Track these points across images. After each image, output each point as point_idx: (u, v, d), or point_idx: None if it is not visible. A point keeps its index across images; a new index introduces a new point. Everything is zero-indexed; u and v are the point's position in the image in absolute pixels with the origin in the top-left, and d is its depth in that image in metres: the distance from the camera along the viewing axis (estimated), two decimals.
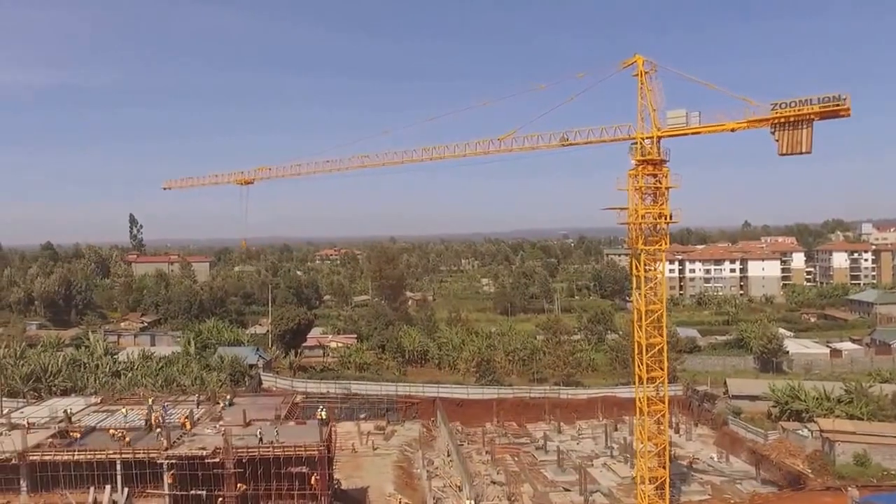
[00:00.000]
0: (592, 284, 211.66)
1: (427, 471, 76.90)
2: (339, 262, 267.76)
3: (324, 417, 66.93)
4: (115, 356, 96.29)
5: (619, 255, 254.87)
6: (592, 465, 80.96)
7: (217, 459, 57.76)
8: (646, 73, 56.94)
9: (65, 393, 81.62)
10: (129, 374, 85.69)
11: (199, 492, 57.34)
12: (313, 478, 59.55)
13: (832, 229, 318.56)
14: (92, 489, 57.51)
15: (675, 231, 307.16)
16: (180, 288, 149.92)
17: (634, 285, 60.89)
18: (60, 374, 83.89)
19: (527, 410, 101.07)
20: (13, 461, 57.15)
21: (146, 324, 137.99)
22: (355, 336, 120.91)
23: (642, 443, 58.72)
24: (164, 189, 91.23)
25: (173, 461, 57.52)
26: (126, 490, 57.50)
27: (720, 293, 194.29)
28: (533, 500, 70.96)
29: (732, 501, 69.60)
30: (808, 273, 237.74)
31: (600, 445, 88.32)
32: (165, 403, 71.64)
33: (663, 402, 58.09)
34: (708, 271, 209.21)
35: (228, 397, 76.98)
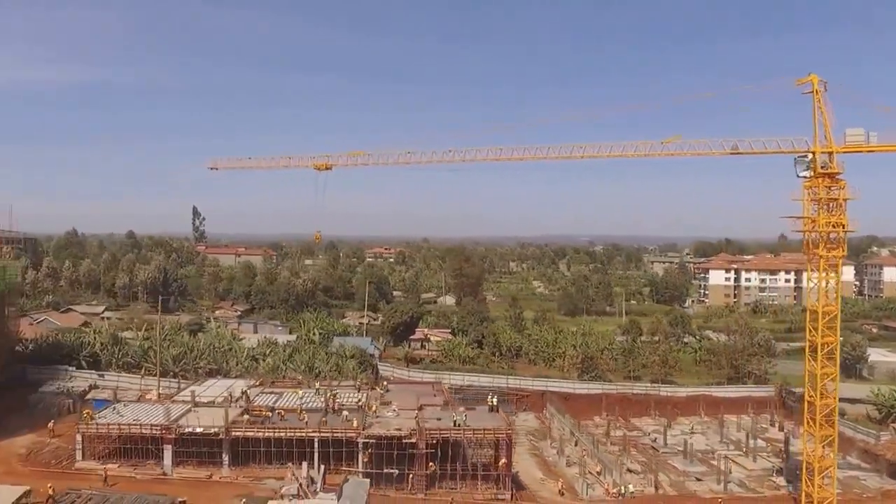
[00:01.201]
0: (648, 290, 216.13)
1: (565, 458, 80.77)
2: (393, 260, 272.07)
3: (495, 404, 71.28)
4: (241, 341, 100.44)
5: (664, 262, 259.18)
6: (714, 458, 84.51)
7: (413, 440, 62.03)
8: (818, 91, 60.43)
9: (211, 374, 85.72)
10: (268, 360, 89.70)
11: (392, 470, 61.68)
12: (501, 460, 63.86)
13: (867, 245, 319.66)
14: (290, 465, 61.82)
15: (713, 241, 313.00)
16: (279, 279, 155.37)
17: (808, 288, 64.30)
18: (204, 356, 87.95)
19: (630, 406, 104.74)
20: (220, 436, 61.57)
21: (240, 312, 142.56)
22: (449, 331, 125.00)
23: (812, 434, 62.02)
24: (211, 169, 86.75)
25: (371, 440, 61.99)
26: (322, 467, 61.60)
27: (774, 302, 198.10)
28: (672, 487, 74.81)
29: (865, 496, 73.45)
30: (855, 286, 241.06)
31: (712, 441, 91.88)
32: (334, 388, 75.86)
33: (833, 398, 61.50)
34: (763, 281, 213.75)
35: (385, 384, 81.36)
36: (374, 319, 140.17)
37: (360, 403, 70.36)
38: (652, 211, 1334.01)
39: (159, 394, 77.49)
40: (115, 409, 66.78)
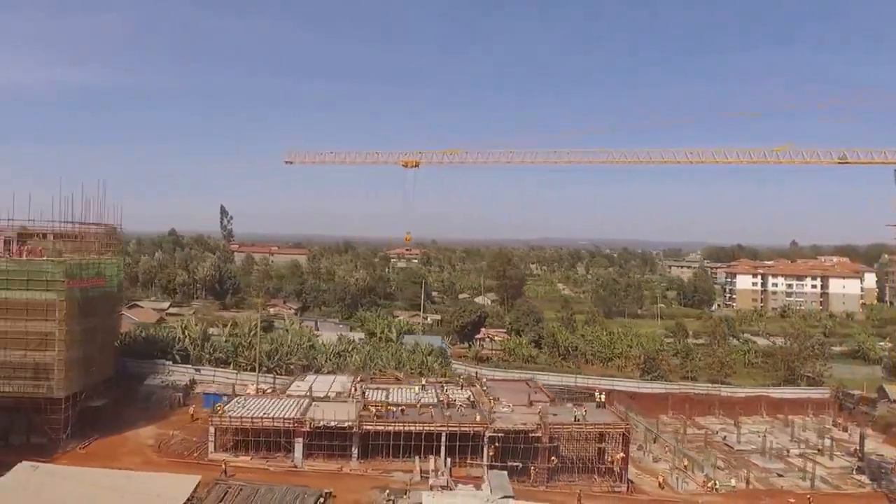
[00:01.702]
0: (675, 293, 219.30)
1: (650, 455, 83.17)
2: (417, 261, 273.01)
3: (602, 400, 73.69)
4: (318, 337, 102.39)
5: (681, 266, 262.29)
6: (790, 456, 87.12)
7: (538, 434, 64.30)
8: None
9: (305, 370, 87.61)
10: (354, 356, 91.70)
11: (515, 463, 63.83)
12: (618, 455, 66.20)
13: (877, 252, 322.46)
14: (417, 458, 63.97)
15: (726, 247, 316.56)
16: (335, 278, 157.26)
17: None
18: (295, 352, 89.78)
19: (692, 406, 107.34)
20: (353, 429, 63.53)
21: (294, 310, 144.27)
22: (503, 330, 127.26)
23: None
24: (287, 163, 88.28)
25: (499, 434, 64.18)
26: (448, 460, 63.86)
27: (801, 307, 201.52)
28: (759, 483, 77.34)
29: None
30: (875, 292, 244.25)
31: (782, 440, 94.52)
32: (438, 384, 78.04)
33: None
34: (790, 286, 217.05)
35: (485, 380, 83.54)
36: (425, 318, 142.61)
37: (471, 399, 72.53)
38: (650, 216, 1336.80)
39: (257, 389, 79.33)
40: (238, 402, 68.45)
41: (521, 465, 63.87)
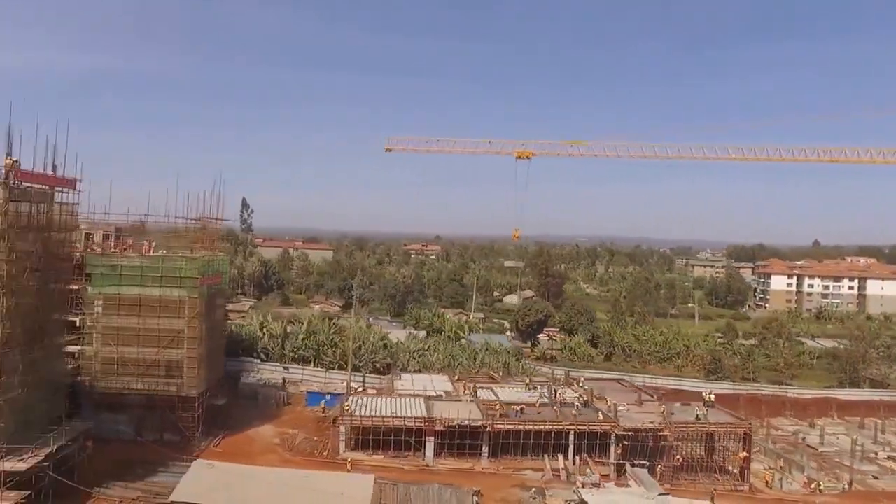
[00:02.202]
0: (703, 293, 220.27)
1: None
2: (435, 257, 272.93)
3: (712, 400, 73.99)
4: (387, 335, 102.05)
5: (704, 266, 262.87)
6: (878, 458, 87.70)
7: (666, 433, 64.58)
8: None
9: (391, 369, 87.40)
10: (437, 354, 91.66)
11: (643, 462, 64.03)
12: (741, 454, 66.58)
13: None
14: (546, 456, 64.13)
15: (748, 246, 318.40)
16: (385, 275, 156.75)
17: None
18: (379, 351, 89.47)
19: (761, 407, 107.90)
20: (486, 428, 63.48)
21: (339, 307, 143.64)
22: (557, 329, 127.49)
23: None
24: (387, 151, 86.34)
25: (627, 433, 64.40)
26: (576, 458, 64.05)
27: (838, 309, 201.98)
28: (858, 485, 77.83)
29: None
30: None
31: (864, 442, 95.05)
32: (542, 384, 78.18)
33: None
34: (826, 287, 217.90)
35: (583, 379, 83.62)
36: (467, 316, 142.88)
37: (582, 398, 72.61)
38: (651, 214, 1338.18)
39: (349, 387, 79.10)
40: (357, 401, 68.00)
41: (647, 463, 64.14)
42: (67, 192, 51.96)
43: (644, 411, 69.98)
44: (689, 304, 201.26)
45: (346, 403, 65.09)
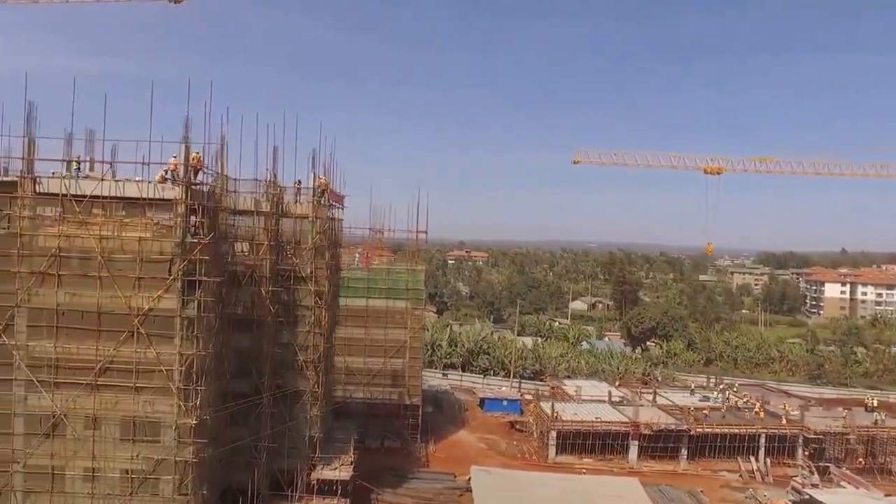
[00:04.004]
0: (750, 299, 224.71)
1: None
2: (482, 263, 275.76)
3: (875, 405, 77.75)
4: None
5: (743, 273, 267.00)
6: None
7: (851, 436, 68.34)
8: None
9: (536, 375, 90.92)
10: (580, 361, 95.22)
11: (827, 464, 67.71)
12: None
13: None
14: (739, 458, 67.75)
15: (777, 253, 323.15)
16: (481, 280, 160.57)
17: None
18: (527, 357, 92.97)
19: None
20: (690, 431, 67.00)
21: (433, 312, 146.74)
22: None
23: None
24: (574, 163, 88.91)
25: (820, 436, 68.07)
26: (767, 460, 67.68)
27: (893, 316, 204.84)
28: None
29: None
30: None
31: None
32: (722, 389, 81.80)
33: None
34: (880, 294, 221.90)
35: (737, 384, 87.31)
36: (555, 321, 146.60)
37: (749, 403, 76.25)
38: (658, 220, 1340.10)
39: (521, 393, 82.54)
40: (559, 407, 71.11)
41: (832, 465, 67.73)
42: (338, 208, 54.53)
43: (818, 416, 73.53)
44: (744, 311, 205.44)
45: (555, 411, 68.27)
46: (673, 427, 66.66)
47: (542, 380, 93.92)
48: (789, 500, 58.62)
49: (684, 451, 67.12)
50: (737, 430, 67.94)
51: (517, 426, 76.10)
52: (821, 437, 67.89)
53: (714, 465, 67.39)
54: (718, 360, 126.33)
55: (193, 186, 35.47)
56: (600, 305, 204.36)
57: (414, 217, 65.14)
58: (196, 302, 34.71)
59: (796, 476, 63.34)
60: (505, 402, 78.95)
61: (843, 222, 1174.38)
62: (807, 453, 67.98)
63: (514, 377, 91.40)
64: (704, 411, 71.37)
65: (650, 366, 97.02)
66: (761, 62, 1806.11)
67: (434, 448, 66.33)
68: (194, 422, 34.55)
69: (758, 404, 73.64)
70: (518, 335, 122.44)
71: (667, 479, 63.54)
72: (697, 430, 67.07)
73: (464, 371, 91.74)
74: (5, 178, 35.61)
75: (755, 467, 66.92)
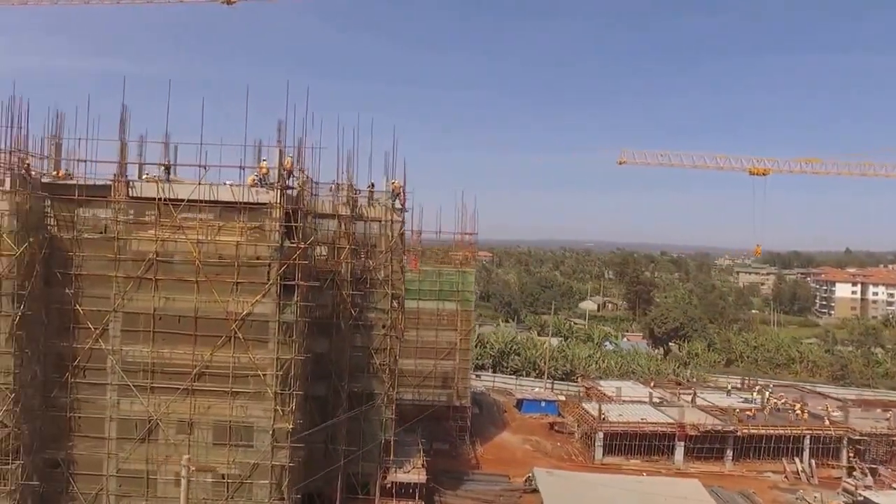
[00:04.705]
0: (758, 300, 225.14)
1: None
2: (485, 263, 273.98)
3: None
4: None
5: (749, 273, 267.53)
6: None
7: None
8: None
9: (567, 375, 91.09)
10: (608, 361, 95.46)
11: (874, 466, 68.03)
12: None
13: None
14: (784, 459, 68.00)
15: (783, 253, 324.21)
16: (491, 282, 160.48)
17: None
18: (558, 359, 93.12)
19: None
20: (736, 432, 67.22)
21: None
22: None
23: None
24: (619, 164, 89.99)
25: (863, 437, 68.43)
26: (812, 461, 67.94)
27: None
28: None
29: None
30: None
31: None
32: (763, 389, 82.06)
33: None
34: (891, 295, 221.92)
35: (772, 385, 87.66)
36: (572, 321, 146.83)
37: (785, 403, 76.55)
38: (658, 220, 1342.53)
39: (587, 392, 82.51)
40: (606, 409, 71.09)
41: (879, 467, 68.06)
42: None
43: (858, 417, 73.87)
44: (753, 311, 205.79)
45: (603, 413, 68.33)
46: (720, 428, 66.78)
47: (573, 380, 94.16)
48: (842, 502, 58.91)
49: (729, 453, 67.30)
50: (782, 432, 68.06)
51: (555, 427, 76.31)
52: (866, 438, 68.13)
53: (758, 467, 67.56)
54: (739, 360, 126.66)
55: (287, 190, 35.40)
56: (610, 305, 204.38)
57: (457, 219, 65.13)
58: (292, 306, 34.63)
59: (846, 478, 63.55)
60: (543, 403, 78.99)
61: (843, 221, 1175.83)
62: (851, 455, 68.23)
63: (542, 378, 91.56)
64: (748, 412, 71.60)
65: (679, 366, 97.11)
66: (764, 62, 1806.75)
67: (481, 450, 66.36)
68: (291, 426, 34.50)
69: (797, 405, 73.92)
70: (537, 335, 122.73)
71: (714, 480, 63.49)
72: (744, 430, 67.29)
73: (494, 372, 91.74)
74: (98, 182, 35.43)
75: (800, 468, 67.15)
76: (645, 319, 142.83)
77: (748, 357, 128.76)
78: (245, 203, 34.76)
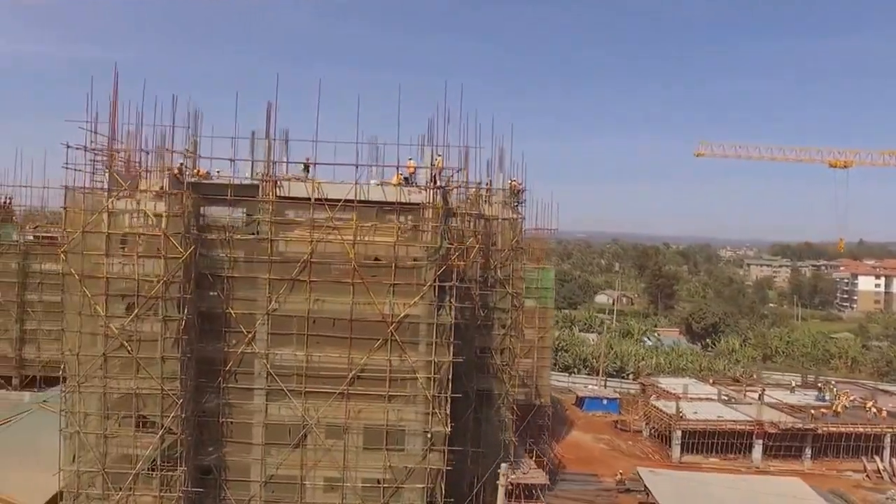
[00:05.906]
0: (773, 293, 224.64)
1: None
2: None
3: None
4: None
5: (759, 265, 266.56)
6: None
7: None
8: None
9: (618, 372, 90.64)
10: (659, 359, 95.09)
11: None
12: None
13: None
14: (864, 458, 67.71)
15: (794, 245, 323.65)
16: None
17: None
18: (608, 355, 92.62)
19: None
20: (817, 430, 66.85)
21: None
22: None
23: None
24: (697, 156, 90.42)
25: None
26: (892, 460, 67.72)
27: None
28: None
29: None
30: None
31: None
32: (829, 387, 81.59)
33: None
34: None
35: (834, 382, 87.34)
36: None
37: (854, 401, 76.26)
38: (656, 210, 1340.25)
39: (644, 390, 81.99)
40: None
41: None
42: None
43: None
44: (770, 304, 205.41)
45: (680, 412, 67.80)
46: (800, 426, 66.42)
47: (624, 377, 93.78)
48: None
49: (808, 451, 66.99)
50: (863, 430, 67.76)
51: (618, 425, 75.88)
52: None
53: (837, 465, 67.21)
54: (775, 356, 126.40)
55: (438, 190, 34.60)
56: (624, 299, 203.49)
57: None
58: (448, 308, 33.88)
59: None
60: (605, 401, 78.59)
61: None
62: None
63: (595, 375, 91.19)
64: (822, 410, 71.28)
65: (731, 363, 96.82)
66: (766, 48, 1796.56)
67: (559, 449, 65.84)
68: (448, 430, 33.79)
69: (869, 403, 73.67)
70: (578, 332, 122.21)
71: (808, 479, 63.11)
72: (824, 429, 66.95)
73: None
74: (246, 182, 34.52)
75: (881, 467, 66.90)
76: (681, 314, 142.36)
77: (783, 352, 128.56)
78: (401, 203, 33.92)
